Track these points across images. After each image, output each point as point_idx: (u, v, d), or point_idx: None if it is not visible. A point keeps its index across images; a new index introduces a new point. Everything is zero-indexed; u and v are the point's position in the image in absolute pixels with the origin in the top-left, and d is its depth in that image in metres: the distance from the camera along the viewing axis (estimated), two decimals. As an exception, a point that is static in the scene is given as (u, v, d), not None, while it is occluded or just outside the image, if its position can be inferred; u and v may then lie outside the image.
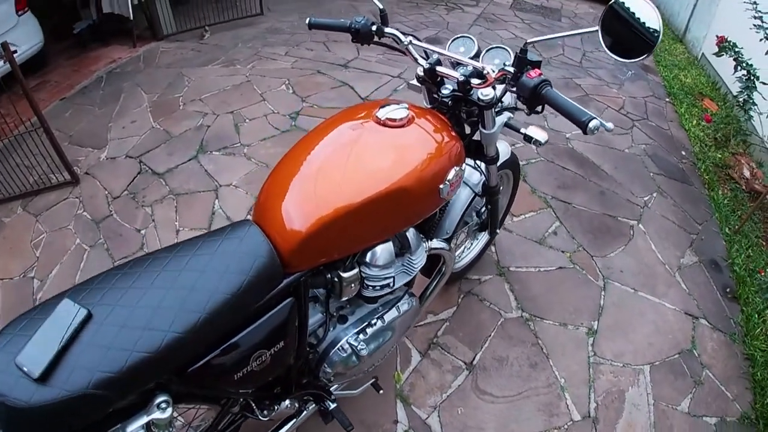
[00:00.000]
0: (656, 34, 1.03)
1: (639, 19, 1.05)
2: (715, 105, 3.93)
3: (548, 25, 5.43)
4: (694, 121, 3.67)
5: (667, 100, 4.02)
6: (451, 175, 1.14)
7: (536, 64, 1.10)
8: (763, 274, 2.38)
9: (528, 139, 1.30)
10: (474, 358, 1.93)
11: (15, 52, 2.37)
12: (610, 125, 0.99)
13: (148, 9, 4.33)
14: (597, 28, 1.09)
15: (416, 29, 5.06)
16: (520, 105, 1.24)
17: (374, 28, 1.35)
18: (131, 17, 4.15)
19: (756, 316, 2.25)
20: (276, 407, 1.20)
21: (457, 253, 2.11)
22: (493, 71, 1.18)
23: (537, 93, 1.06)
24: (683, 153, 3.36)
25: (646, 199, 2.85)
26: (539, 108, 1.11)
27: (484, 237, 2.16)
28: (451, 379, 1.86)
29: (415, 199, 1.10)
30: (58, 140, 2.64)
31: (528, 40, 1.11)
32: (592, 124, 0.97)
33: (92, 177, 2.77)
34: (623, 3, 1.07)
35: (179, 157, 2.92)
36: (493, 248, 2.38)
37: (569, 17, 6.03)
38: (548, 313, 2.13)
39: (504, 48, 1.31)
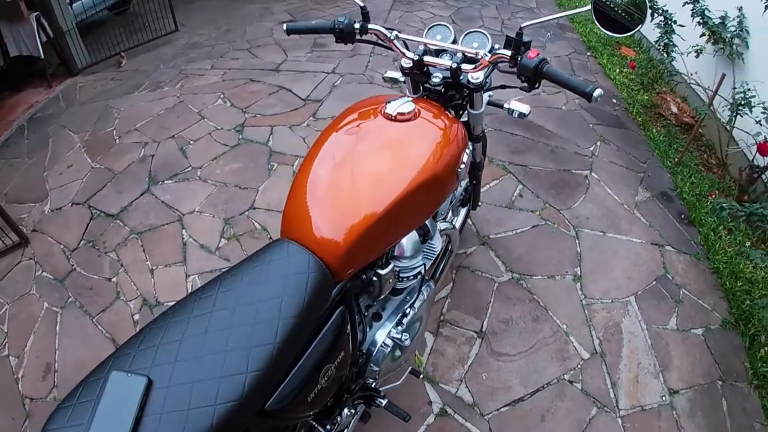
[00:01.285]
0: (644, 7, 1.12)
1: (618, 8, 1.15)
2: (633, 51, 4.25)
3: (463, 1, 5.58)
4: (617, 70, 3.96)
5: (588, 54, 4.30)
6: (465, 156, 1.21)
7: (528, 45, 1.17)
8: (713, 197, 2.66)
9: (511, 112, 1.39)
10: (482, 326, 2.03)
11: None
12: (600, 91, 1.08)
13: (58, 44, 4.01)
14: (589, 7, 1.18)
15: (333, 17, 5.03)
16: (511, 85, 1.30)
17: (357, 26, 1.36)
18: (42, 56, 3.83)
19: (712, 234, 2.52)
20: (338, 420, 1.22)
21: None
22: (486, 55, 1.24)
23: (539, 71, 1.13)
24: (614, 101, 3.63)
25: (591, 149, 3.07)
26: (537, 85, 1.19)
27: (463, 211, 2.25)
28: (468, 349, 1.95)
29: (440, 186, 1.15)
30: (-7, 200, 2.42)
31: (522, 25, 1.17)
32: (596, 93, 1.07)
33: (42, 233, 2.57)
34: None
35: (130, 193, 2.77)
36: (470, 221, 2.48)
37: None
38: (535, 270, 2.27)
39: (480, 32, 1.38)
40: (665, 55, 3.12)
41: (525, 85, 1.21)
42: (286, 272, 0.93)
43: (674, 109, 3.40)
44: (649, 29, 3.37)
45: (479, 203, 2.12)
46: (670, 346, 2.03)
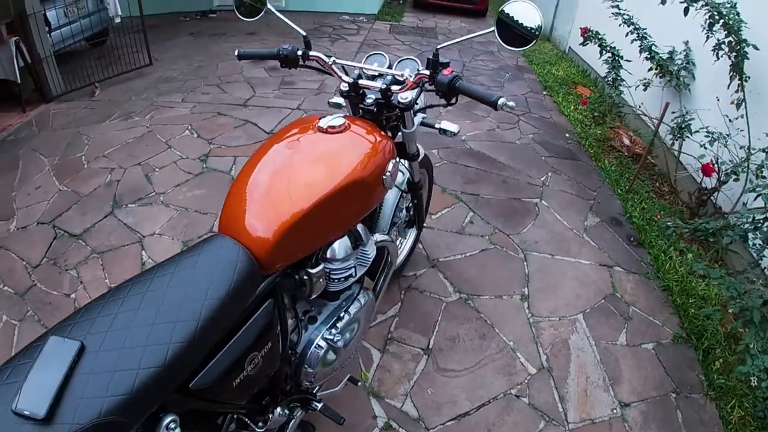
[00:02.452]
0: (539, 25, 1.29)
1: (524, 15, 1.30)
2: (588, 90, 4.53)
3: (426, 43, 5.91)
4: (572, 107, 4.21)
5: (545, 93, 4.56)
6: (390, 166, 1.31)
7: (446, 65, 1.33)
8: (659, 218, 2.81)
9: (443, 132, 1.52)
10: (429, 343, 2.08)
11: None
12: (512, 103, 1.22)
13: (35, 70, 4.09)
14: (493, 28, 1.33)
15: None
16: (437, 101, 1.44)
17: (300, 52, 1.49)
18: (19, 80, 3.90)
19: (662, 255, 2.65)
20: (269, 417, 1.25)
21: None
22: (410, 76, 1.38)
23: (452, 86, 1.28)
24: (567, 135, 3.84)
25: (543, 179, 3.23)
26: (454, 100, 1.33)
27: (412, 234, 2.35)
28: (414, 366, 1.99)
29: (364, 191, 1.24)
30: (-43, 218, 2.43)
31: (438, 46, 1.33)
32: (500, 101, 1.21)
33: (5, 249, 2.57)
34: (512, 4, 1.31)
35: (94, 215, 2.81)
36: (420, 245, 2.57)
37: (444, 34, 6.61)
38: (483, 290, 2.35)
39: (412, 59, 1.53)
40: (614, 88, 3.34)
41: (443, 101, 1.36)
42: (217, 261, 1.00)
43: (626, 141, 3.61)
44: (600, 66, 3.61)
45: (424, 225, 2.22)
46: (620, 361, 2.10)
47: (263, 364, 1.08)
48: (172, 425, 0.86)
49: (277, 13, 1.54)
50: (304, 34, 1.52)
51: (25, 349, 0.79)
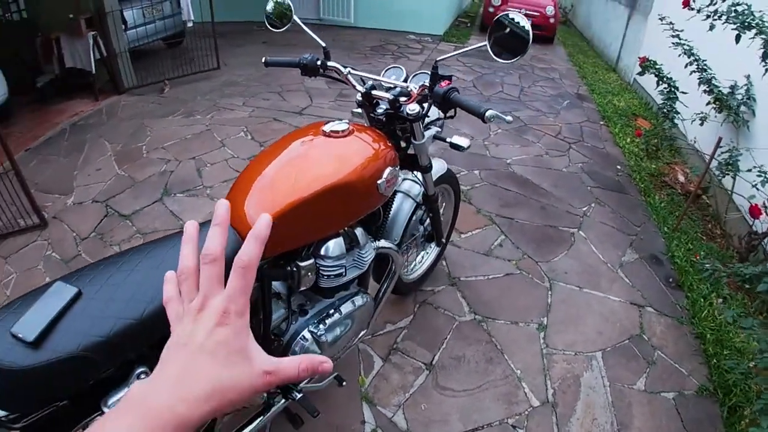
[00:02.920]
0: (527, 37, 1.29)
1: (515, 27, 1.31)
2: (648, 123, 4.33)
3: (488, 66, 5.89)
4: (628, 139, 4.04)
5: (602, 123, 4.41)
6: (386, 173, 1.33)
7: (447, 78, 1.38)
8: (698, 258, 2.63)
9: (454, 146, 1.54)
10: (433, 359, 2.05)
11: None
12: (509, 118, 1.23)
13: (110, 63, 4.50)
14: (486, 42, 1.36)
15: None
16: (441, 114, 1.48)
17: (319, 62, 1.58)
18: (94, 71, 4.31)
19: (702, 300, 2.46)
20: (245, 398, 1.29)
21: (411, 267, 2.28)
22: (416, 88, 1.44)
23: (446, 98, 1.33)
24: (618, 167, 3.68)
25: (584, 209, 3.11)
26: (452, 112, 1.39)
27: (433, 250, 2.34)
28: (413, 379, 1.96)
29: (357, 193, 1.28)
30: (26, 186, 2.71)
31: (437, 59, 1.39)
32: (488, 114, 1.22)
33: (60, 221, 2.83)
34: (504, 19, 1.33)
35: (144, 200, 3.02)
36: (444, 262, 2.55)
37: (509, 58, 6.53)
38: (499, 314, 2.29)
39: (426, 72, 1.56)
40: (668, 120, 3.19)
41: (450, 116, 1.42)
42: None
43: (681, 178, 3.41)
44: (656, 97, 3.47)
45: (443, 240, 2.20)
46: (634, 407, 1.96)
47: None
48: (143, 376, 0.98)
49: (302, 25, 1.63)
50: (324, 45, 1.61)
51: (37, 288, 0.94)
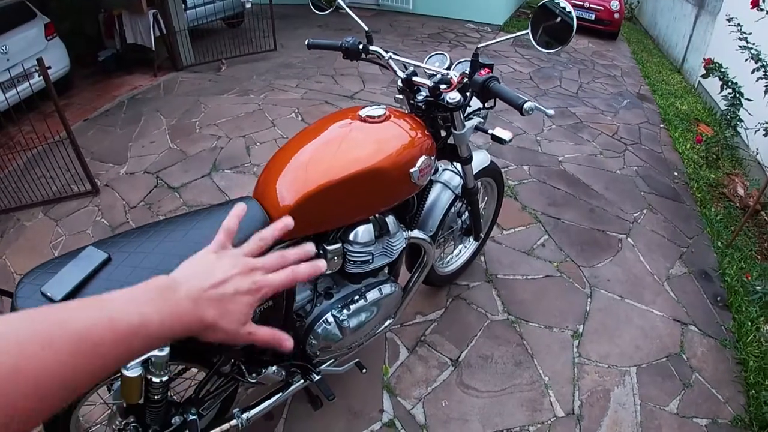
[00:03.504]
0: (572, 24, 1.23)
1: (560, 13, 1.26)
2: (711, 129, 4.06)
3: (547, 59, 5.66)
4: (688, 144, 3.80)
5: (662, 126, 4.17)
6: (420, 161, 1.31)
7: (488, 66, 1.33)
8: (749, 278, 2.45)
9: (495, 139, 1.47)
10: (459, 356, 2.01)
11: (49, 68, 2.61)
12: (550, 111, 1.18)
13: (169, 41, 4.66)
14: (528, 30, 1.30)
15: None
16: (479, 104, 1.43)
17: (361, 46, 1.56)
18: (153, 48, 4.48)
19: (749, 323, 2.29)
20: (264, 371, 1.31)
21: (446, 259, 2.24)
22: (456, 76, 1.39)
23: (485, 87, 1.28)
24: (675, 174, 3.47)
25: (635, 215, 2.95)
26: (491, 102, 1.35)
27: (472, 244, 2.28)
28: (437, 373, 1.94)
29: (389, 180, 1.26)
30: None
31: (478, 46, 1.35)
32: (526, 106, 1.16)
33: (111, 189, 2.98)
34: (549, 4, 1.27)
35: (193, 174, 3.12)
36: (482, 257, 2.49)
37: (569, 52, 6.29)
38: (534, 317, 2.21)
39: (468, 60, 1.51)
40: (730, 128, 2.95)
41: (489, 106, 1.40)
42: None
43: (740, 191, 3.18)
44: (720, 102, 3.22)
45: (481, 235, 2.14)
46: (663, 429, 1.87)
47: (260, 319, 1.14)
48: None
49: (346, 8, 1.63)
50: (367, 29, 1.60)
51: (71, 252, 0.99)
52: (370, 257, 1.34)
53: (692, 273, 2.58)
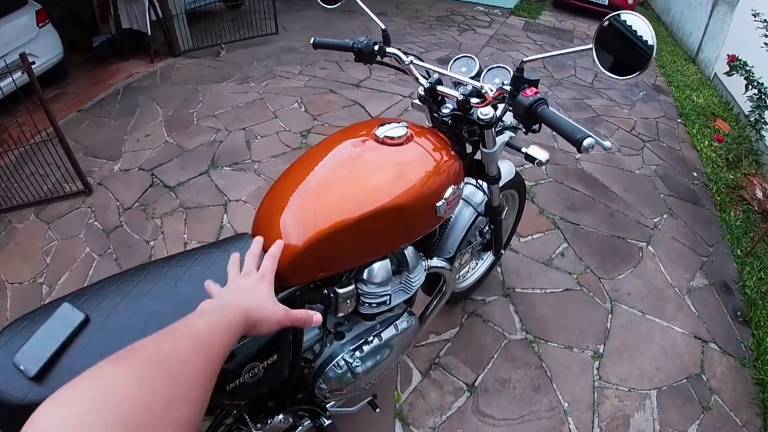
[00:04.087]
0: (650, 51, 1.00)
1: (633, 36, 1.02)
2: (728, 125, 3.90)
3: (560, 46, 5.46)
4: (706, 142, 3.64)
5: (679, 120, 4.00)
6: (448, 193, 1.14)
7: (533, 83, 1.10)
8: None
9: (530, 159, 1.28)
10: (476, 380, 1.91)
11: (33, 63, 2.43)
12: (607, 144, 0.98)
13: (165, 25, 4.44)
14: (591, 45, 1.06)
15: (428, 50, 5.12)
16: (517, 123, 1.23)
17: (376, 48, 1.36)
18: (149, 33, 4.26)
19: None
20: (270, 421, 1.20)
21: (461, 273, 2.10)
22: (491, 90, 1.17)
23: (532, 111, 1.04)
24: (695, 174, 3.33)
25: (656, 220, 2.82)
26: (536, 127, 1.10)
27: (488, 257, 2.15)
28: (452, 400, 1.83)
29: (411, 216, 1.10)
30: (74, 150, 2.71)
31: (524, 59, 1.10)
32: (586, 143, 0.94)
33: (105, 188, 2.83)
34: (618, 20, 1.04)
35: (191, 171, 2.97)
36: (498, 269, 2.36)
37: (581, 38, 6.07)
38: (553, 336, 2.10)
39: (504, 67, 1.31)
40: (755, 131, 2.78)
41: (534, 130, 1.12)
42: None
43: (759, 195, 3.04)
44: (744, 101, 3.02)
45: (501, 251, 2.01)
46: (682, 457, 1.78)
47: (264, 375, 1.02)
48: None
49: (359, 2, 1.42)
50: (383, 27, 1.38)
51: (44, 306, 0.86)
52: (388, 298, 1.21)
53: (713, 285, 2.47)
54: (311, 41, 1.46)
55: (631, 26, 1.03)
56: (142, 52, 4.54)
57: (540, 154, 1.26)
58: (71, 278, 2.29)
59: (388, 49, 1.35)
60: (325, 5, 1.50)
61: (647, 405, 1.90)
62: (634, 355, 2.07)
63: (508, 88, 1.14)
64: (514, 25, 6.56)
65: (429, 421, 1.76)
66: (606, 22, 1.05)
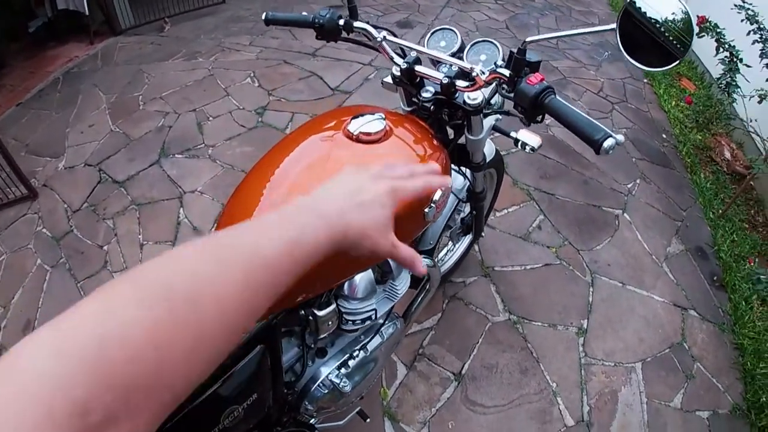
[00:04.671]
0: (688, 38, 0.84)
1: (665, 19, 0.86)
2: (693, 85, 3.89)
3: (522, 5, 5.28)
4: (673, 102, 3.63)
5: (645, 80, 3.97)
6: (437, 196, 1.01)
7: (535, 66, 0.94)
8: (752, 263, 2.36)
9: (521, 144, 1.18)
10: (462, 368, 1.86)
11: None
12: (620, 138, 0.83)
13: (104, 3, 4.04)
14: (614, 26, 0.90)
15: (386, 12, 4.87)
16: (513, 111, 1.08)
17: (342, 22, 1.16)
18: (87, 12, 3.86)
19: (743, 303, 2.23)
20: (253, 450, 1.09)
21: (440, 256, 2.02)
22: (483, 73, 1.00)
23: (539, 103, 0.87)
24: (664, 136, 3.32)
25: (629, 186, 2.80)
26: (539, 118, 0.94)
27: (468, 239, 2.07)
28: (440, 391, 1.78)
29: (397, 225, 0.97)
30: (15, 150, 2.46)
31: (527, 39, 0.94)
32: (606, 144, 0.79)
33: (50, 189, 2.58)
34: (642, 5, 0.87)
35: (140, 162, 2.74)
36: (476, 247, 2.29)
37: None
38: (536, 314, 2.07)
39: (491, 42, 1.17)
40: (726, 95, 2.75)
41: (537, 121, 0.96)
42: None
43: (727, 155, 3.05)
44: (713, 64, 2.99)
45: (482, 234, 1.93)
46: (668, 428, 1.80)
47: (245, 417, 0.91)
48: None
49: None
50: None
51: None
52: (373, 312, 1.10)
53: (689, 250, 2.48)
54: (263, 17, 1.25)
55: (661, 8, 0.87)
56: (81, 33, 4.11)
57: (532, 139, 1.15)
58: (25, 295, 2.09)
59: (356, 24, 1.15)
60: None
61: (633, 379, 1.91)
62: (617, 328, 2.07)
63: (504, 71, 0.97)
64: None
65: (419, 415, 1.71)
66: (631, 3, 0.89)
